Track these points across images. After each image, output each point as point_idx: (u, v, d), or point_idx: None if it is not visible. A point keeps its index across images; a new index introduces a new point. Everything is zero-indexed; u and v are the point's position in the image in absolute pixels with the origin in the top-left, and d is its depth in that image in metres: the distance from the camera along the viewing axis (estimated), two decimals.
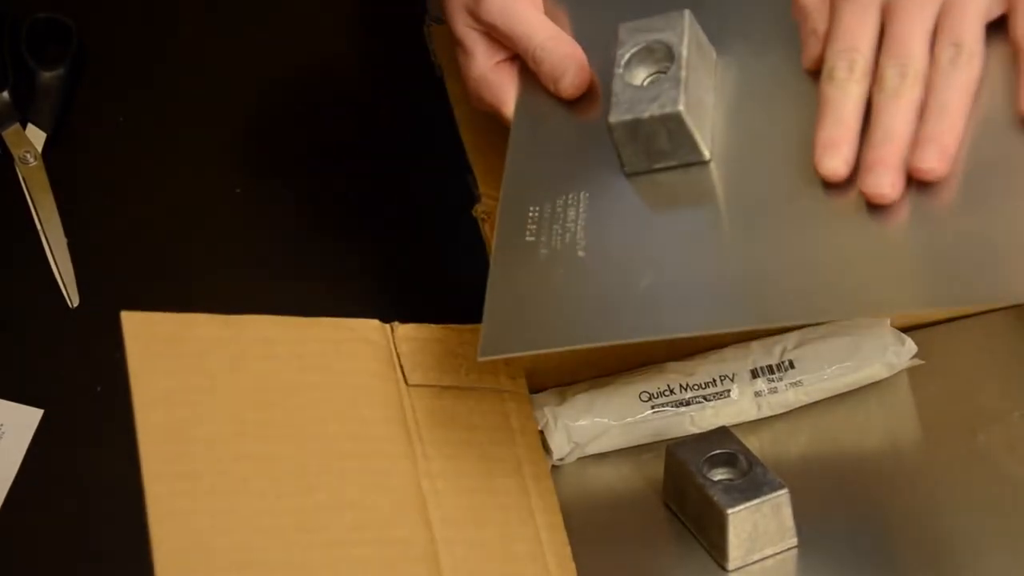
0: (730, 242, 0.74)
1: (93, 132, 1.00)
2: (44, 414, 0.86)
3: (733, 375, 0.85)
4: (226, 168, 0.98)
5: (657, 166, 0.76)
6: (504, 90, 0.83)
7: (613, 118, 0.75)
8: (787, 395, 0.85)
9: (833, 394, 0.85)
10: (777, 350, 0.85)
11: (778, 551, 0.78)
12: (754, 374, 0.85)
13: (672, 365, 0.85)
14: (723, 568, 0.77)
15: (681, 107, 0.74)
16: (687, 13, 0.77)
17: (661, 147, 0.75)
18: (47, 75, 1.00)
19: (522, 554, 0.76)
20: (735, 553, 0.77)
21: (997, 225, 0.68)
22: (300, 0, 1.07)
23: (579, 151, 0.79)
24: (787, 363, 0.85)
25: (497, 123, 0.83)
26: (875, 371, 0.85)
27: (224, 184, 0.97)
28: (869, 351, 0.85)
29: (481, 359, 0.74)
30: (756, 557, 0.77)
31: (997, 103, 0.71)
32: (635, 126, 0.75)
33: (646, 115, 0.74)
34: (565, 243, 0.75)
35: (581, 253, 0.75)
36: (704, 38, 0.78)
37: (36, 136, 0.98)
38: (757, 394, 0.84)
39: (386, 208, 0.95)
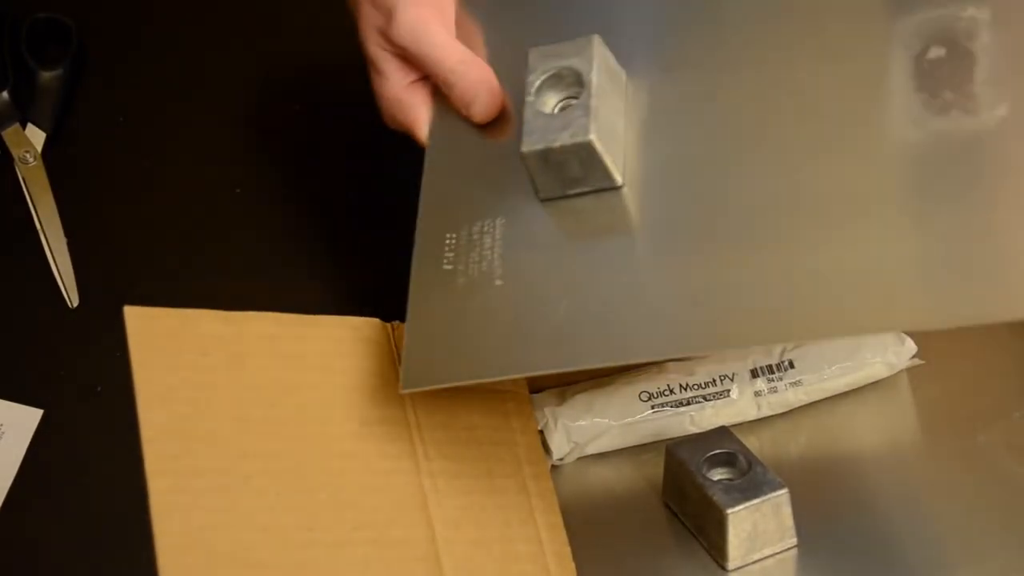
0: (644, 268, 0.74)
1: (93, 132, 1.00)
2: (44, 414, 0.86)
3: (733, 375, 0.85)
4: (226, 168, 0.98)
5: (571, 192, 0.76)
6: (417, 111, 0.82)
7: (525, 147, 0.75)
8: (787, 395, 0.85)
9: (833, 394, 0.85)
10: (777, 350, 0.85)
11: (778, 551, 0.78)
12: (754, 374, 0.85)
13: (672, 365, 0.85)
14: (723, 568, 0.77)
15: (592, 136, 0.74)
16: (596, 39, 0.77)
17: (574, 174, 0.76)
18: (47, 75, 1.00)
19: (522, 554, 0.76)
20: (735, 553, 0.77)
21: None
22: (300, 0, 1.07)
23: (494, 176, 0.79)
24: (787, 363, 0.85)
25: None
26: (875, 371, 0.85)
27: (224, 184, 0.97)
28: (869, 351, 0.85)
29: (403, 392, 0.74)
30: (756, 557, 0.77)
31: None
32: (547, 155, 0.75)
33: (557, 144, 0.74)
34: (482, 271, 0.75)
35: (498, 282, 0.75)
36: (613, 62, 0.78)
37: (36, 136, 0.98)
38: (757, 394, 0.84)
39: (386, 208, 0.95)
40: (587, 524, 0.80)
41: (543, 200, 0.77)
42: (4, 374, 0.88)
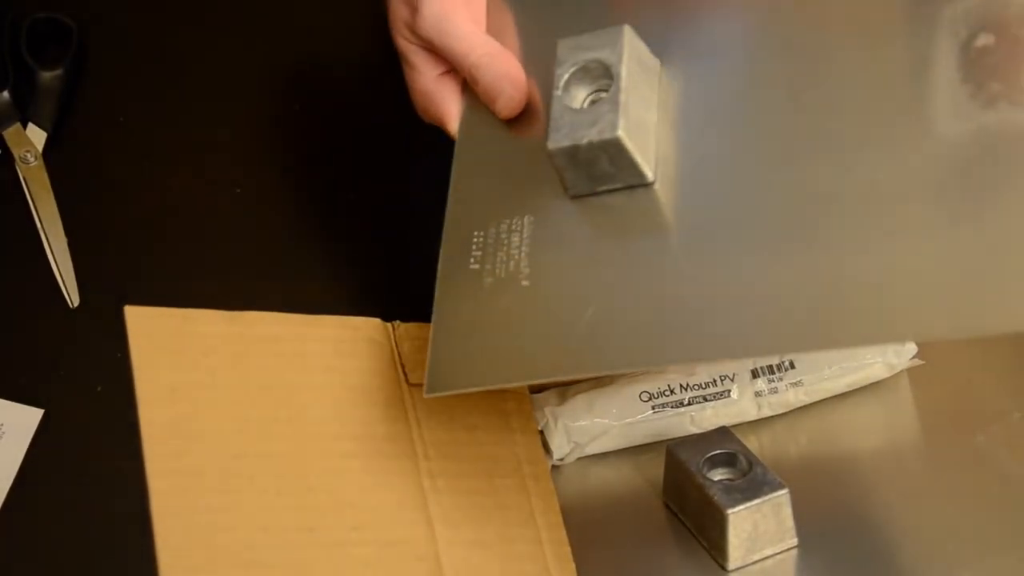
0: (675, 270, 0.72)
1: (93, 132, 1.00)
2: (44, 414, 0.86)
3: (733, 375, 0.85)
4: (226, 168, 0.98)
5: (601, 188, 0.74)
6: (447, 104, 0.81)
7: (552, 144, 0.73)
8: (787, 395, 0.85)
9: (833, 394, 0.85)
10: None
11: (778, 551, 0.78)
12: (754, 374, 0.85)
13: (672, 365, 0.85)
14: (723, 568, 0.77)
15: (620, 132, 0.72)
16: (626, 29, 0.74)
17: (603, 171, 0.74)
18: (47, 75, 1.00)
19: (522, 554, 0.76)
20: (735, 553, 0.77)
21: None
22: (300, 0, 1.07)
23: (523, 172, 0.77)
24: (787, 363, 0.85)
25: None
26: (875, 371, 0.85)
27: (224, 184, 0.97)
28: (869, 351, 0.85)
29: (427, 396, 0.73)
30: (756, 557, 0.77)
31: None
32: (574, 152, 0.73)
33: (584, 141, 0.73)
34: (509, 271, 0.74)
35: (525, 282, 0.73)
36: (645, 52, 0.76)
37: (36, 136, 0.98)
38: (757, 394, 0.84)
39: (386, 208, 0.95)
40: (587, 524, 0.80)
41: (572, 197, 0.75)
42: (4, 374, 0.88)
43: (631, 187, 0.74)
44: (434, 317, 0.74)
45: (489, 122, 0.80)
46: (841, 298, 0.67)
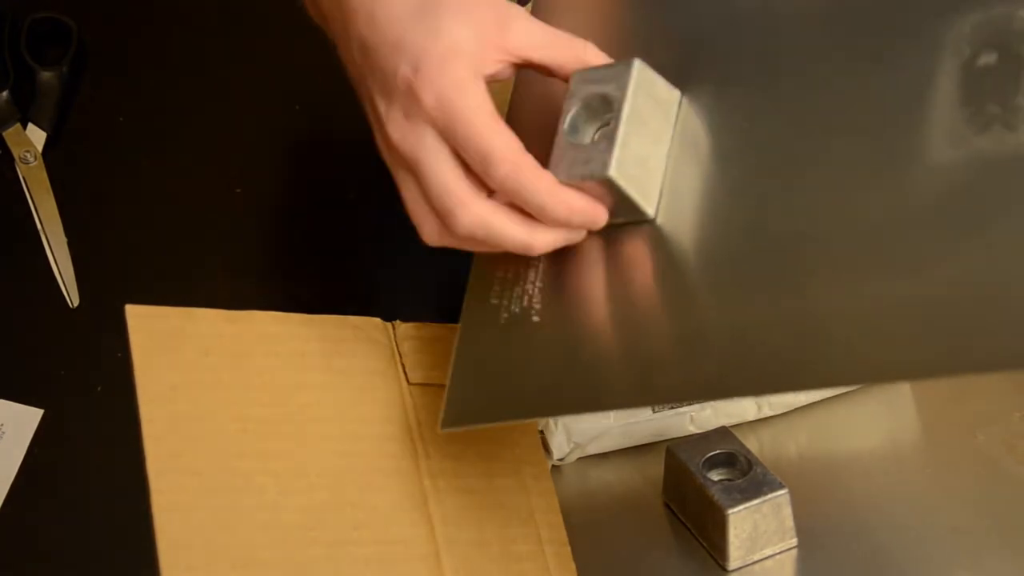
0: (670, 306, 0.71)
1: (93, 132, 1.00)
2: (44, 414, 0.86)
3: None
4: (226, 168, 0.98)
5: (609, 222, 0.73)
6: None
7: None
8: (787, 395, 0.84)
9: (833, 394, 0.85)
10: None
11: (778, 551, 0.78)
12: None
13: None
14: (723, 568, 0.77)
15: (611, 171, 0.71)
16: (636, 63, 0.73)
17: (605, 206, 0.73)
18: (47, 75, 1.00)
19: (522, 554, 0.76)
20: (735, 553, 0.77)
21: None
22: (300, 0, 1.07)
23: None
24: None
25: None
26: None
27: (224, 184, 0.97)
28: None
29: (443, 430, 0.73)
30: (756, 557, 0.77)
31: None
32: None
33: (578, 178, 0.72)
34: (523, 307, 0.74)
35: (535, 318, 0.73)
36: (661, 83, 0.74)
37: (36, 136, 0.98)
38: None
39: (386, 208, 0.95)
40: (587, 524, 0.80)
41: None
42: (4, 374, 0.88)
43: (635, 222, 0.73)
44: (454, 353, 0.75)
45: None
46: (829, 337, 0.66)
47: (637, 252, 0.73)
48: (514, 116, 0.80)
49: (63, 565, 0.82)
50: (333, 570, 0.71)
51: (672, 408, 0.84)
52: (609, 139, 0.72)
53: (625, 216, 0.73)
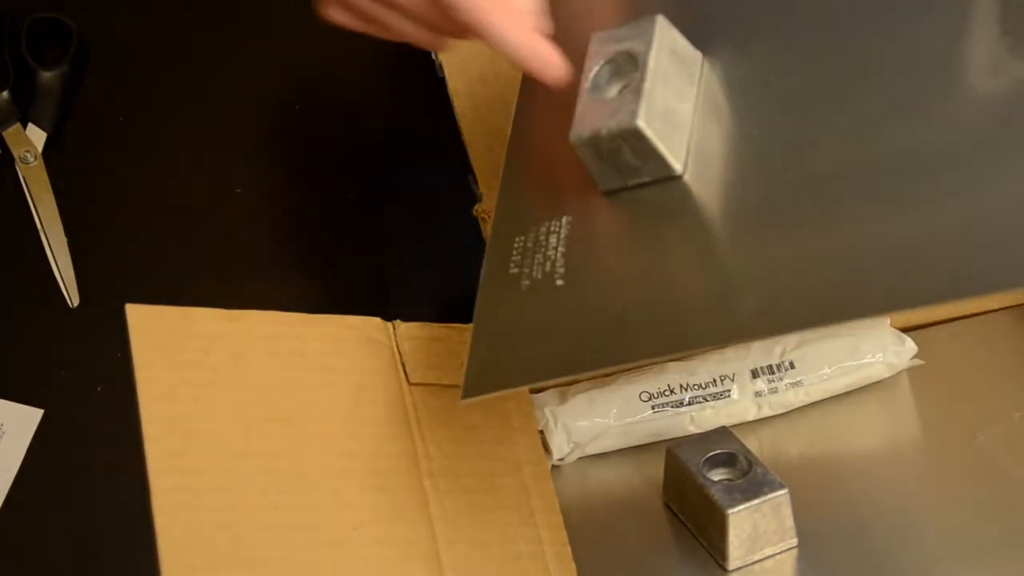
0: (700, 259, 0.71)
1: (93, 132, 1.00)
2: (44, 414, 0.86)
3: (733, 375, 0.85)
4: (226, 168, 0.98)
5: (632, 183, 0.73)
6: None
7: (573, 135, 0.72)
8: (787, 395, 0.85)
9: (833, 394, 0.85)
10: (777, 350, 0.85)
11: (778, 551, 0.78)
12: (754, 374, 0.85)
13: (672, 365, 0.85)
14: (723, 568, 0.77)
15: (640, 121, 0.70)
16: (659, 19, 0.73)
17: (629, 163, 0.72)
18: (47, 75, 1.00)
19: (522, 554, 0.76)
20: (735, 553, 0.77)
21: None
22: (300, 0, 1.07)
23: (564, 173, 0.76)
24: (787, 363, 0.85)
25: (498, 122, 0.83)
26: (875, 371, 0.85)
27: (224, 184, 0.97)
28: (869, 351, 0.85)
29: (463, 401, 0.72)
30: (756, 557, 0.77)
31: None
32: (596, 143, 0.71)
33: (604, 131, 0.71)
34: (545, 272, 0.73)
35: (559, 282, 0.73)
36: (682, 42, 0.74)
37: (36, 136, 0.98)
38: (757, 394, 0.84)
39: (386, 208, 0.95)
40: (587, 524, 0.80)
41: (606, 193, 0.74)
42: (4, 374, 0.89)
43: (662, 180, 0.72)
44: (474, 323, 0.74)
45: (536, 126, 0.79)
46: (869, 268, 0.65)
47: (666, 206, 0.72)
48: (521, 115, 0.80)
49: (63, 565, 0.82)
50: (333, 570, 0.71)
51: (672, 408, 0.84)
52: (635, 91, 0.71)
53: (651, 174, 0.72)
